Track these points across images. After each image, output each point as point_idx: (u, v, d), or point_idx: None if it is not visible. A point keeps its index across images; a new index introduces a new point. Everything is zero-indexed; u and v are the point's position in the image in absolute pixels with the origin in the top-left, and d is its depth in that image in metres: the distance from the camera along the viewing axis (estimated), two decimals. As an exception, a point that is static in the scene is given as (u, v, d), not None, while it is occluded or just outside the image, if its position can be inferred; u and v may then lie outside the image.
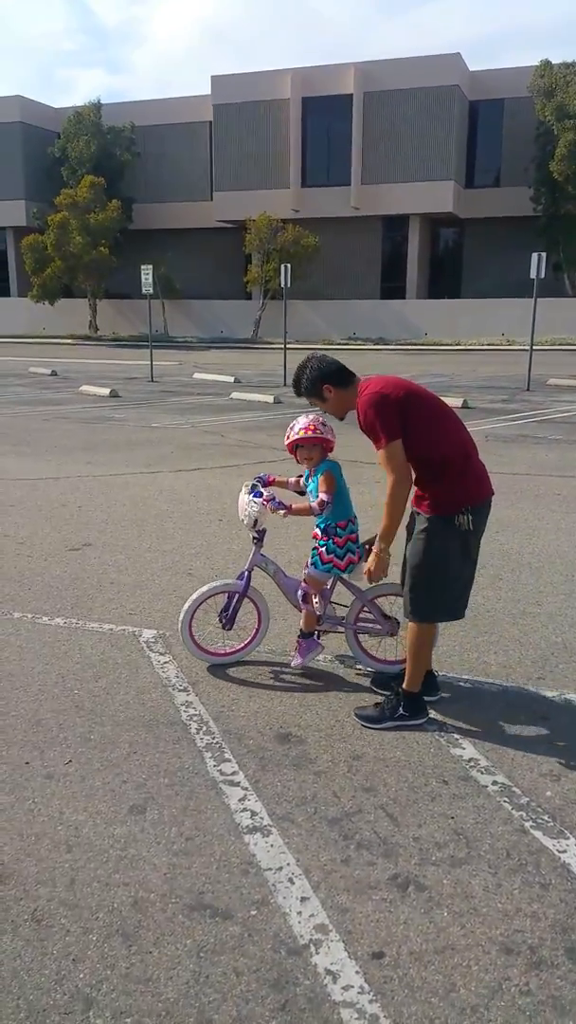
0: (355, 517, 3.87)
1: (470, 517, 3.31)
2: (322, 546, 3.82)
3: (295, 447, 3.82)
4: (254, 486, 3.91)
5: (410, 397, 3.32)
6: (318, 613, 3.92)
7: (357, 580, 3.90)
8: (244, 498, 3.89)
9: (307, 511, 3.82)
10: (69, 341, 33.07)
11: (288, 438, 3.82)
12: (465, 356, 25.37)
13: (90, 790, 3.03)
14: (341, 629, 4.01)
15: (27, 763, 3.21)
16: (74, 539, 6.22)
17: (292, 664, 4.00)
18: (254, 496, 3.85)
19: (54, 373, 20.53)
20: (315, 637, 3.99)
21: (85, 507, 7.19)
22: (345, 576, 3.92)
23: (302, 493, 3.96)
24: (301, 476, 3.99)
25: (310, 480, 3.87)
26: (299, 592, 3.91)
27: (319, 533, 3.85)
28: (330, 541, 3.80)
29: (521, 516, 6.80)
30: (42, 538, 6.25)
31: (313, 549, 3.89)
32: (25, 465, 9.10)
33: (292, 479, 4.01)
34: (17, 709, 3.64)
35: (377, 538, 3.45)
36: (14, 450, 10.09)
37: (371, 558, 3.46)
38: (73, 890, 2.51)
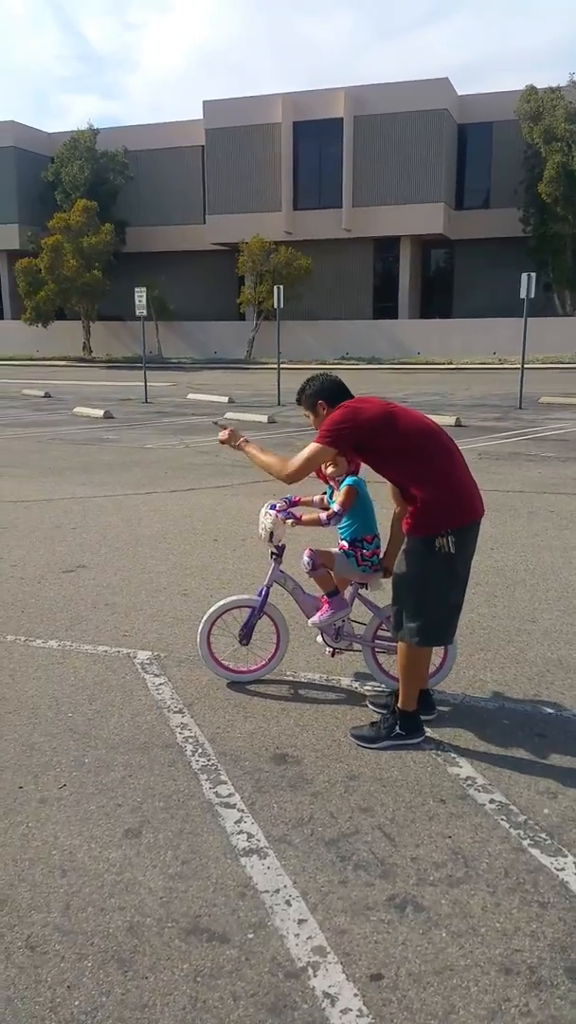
0: (378, 535, 3.88)
1: (451, 539, 3.26)
2: (350, 555, 3.84)
3: None
4: (274, 505, 3.93)
5: (385, 420, 3.32)
6: (337, 625, 3.92)
7: (374, 591, 3.95)
8: (262, 511, 3.92)
9: (316, 522, 3.80)
10: (62, 363, 33.17)
11: None
12: (457, 375, 25.52)
13: (85, 814, 3.00)
14: (358, 646, 4.01)
15: (20, 787, 3.18)
16: (68, 561, 6.21)
17: (311, 621, 3.91)
18: (269, 508, 3.88)
19: (47, 395, 20.57)
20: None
21: (79, 528, 7.18)
22: (363, 592, 3.94)
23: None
24: (325, 494, 4.02)
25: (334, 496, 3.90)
26: (305, 558, 3.82)
27: (345, 545, 3.86)
28: (355, 552, 3.82)
29: (515, 533, 6.81)
30: (36, 560, 6.24)
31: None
32: (19, 487, 9.09)
33: (317, 497, 4.05)
34: (10, 733, 3.61)
35: (239, 440, 3.84)
36: (7, 472, 10.08)
37: (224, 433, 3.89)
38: (68, 916, 2.48)
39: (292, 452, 3.58)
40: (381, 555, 3.85)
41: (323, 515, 3.80)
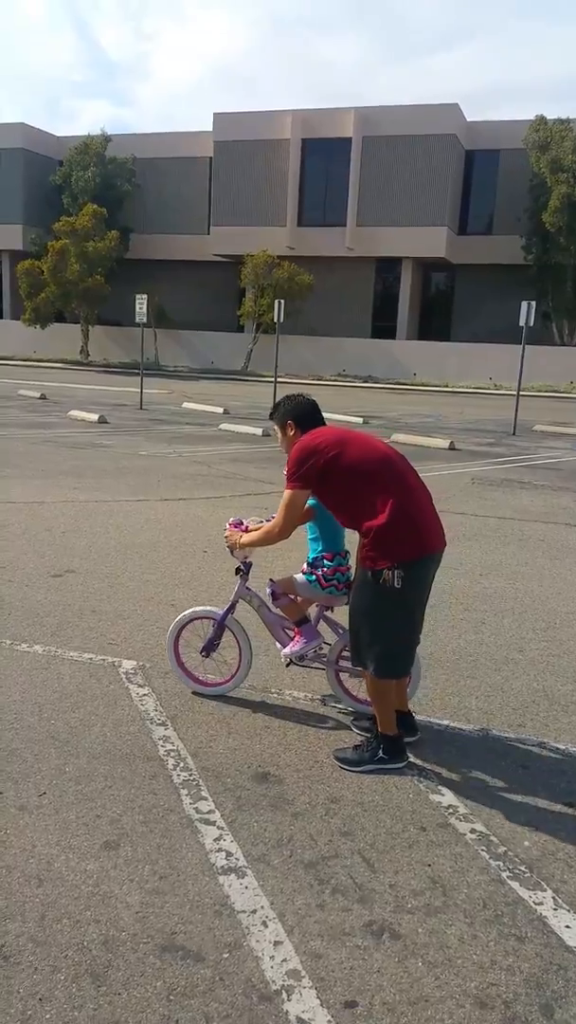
0: (347, 552, 3.86)
1: (398, 573, 3.19)
2: (311, 579, 3.82)
3: None
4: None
5: (342, 454, 3.31)
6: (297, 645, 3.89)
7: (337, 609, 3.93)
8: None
9: (267, 536, 3.69)
10: (59, 365, 33.13)
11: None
12: (453, 398, 25.65)
13: (63, 823, 2.98)
14: (322, 667, 4.00)
15: (0, 793, 3.16)
16: (57, 565, 6.19)
17: (284, 652, 3.88)
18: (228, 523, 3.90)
19: (43, 397, 20.53)
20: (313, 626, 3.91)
21: (69, 533, 7.16)
22: (327, 613, 3.93)
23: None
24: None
25: None
26: (267, 590, 3.88)
27: (306, 567, 3.86)
28: (315, 573, 3.80)
29: (505, 561, 6.83)
30: (24, 563, 6.21)
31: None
32: (10, 489, 9.06)
33: None
34: (-8, 737, 3.58)
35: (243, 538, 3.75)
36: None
37: (232, 534, 3.81)
38: (43, 926, 2.46)
39: (282, 465, 3.58)
40: (350, 572, 3.77)
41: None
